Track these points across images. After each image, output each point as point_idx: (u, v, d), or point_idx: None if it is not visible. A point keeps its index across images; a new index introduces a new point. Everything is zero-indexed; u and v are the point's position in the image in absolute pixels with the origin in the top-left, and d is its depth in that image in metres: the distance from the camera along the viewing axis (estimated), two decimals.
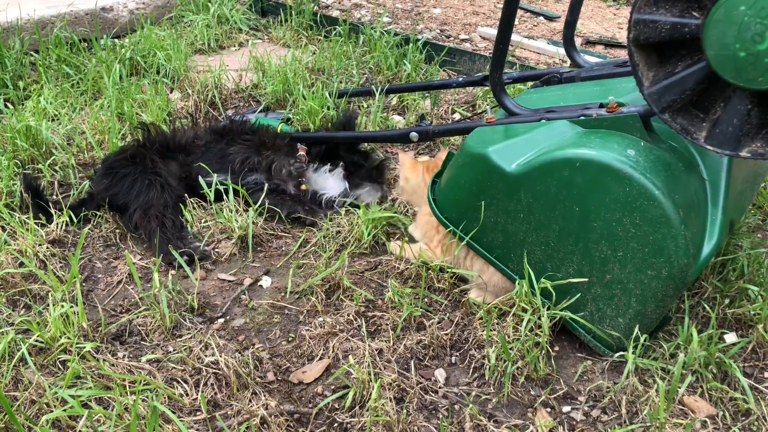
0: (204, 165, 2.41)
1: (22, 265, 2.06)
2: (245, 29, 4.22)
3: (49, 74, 3.27)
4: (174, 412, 1.55)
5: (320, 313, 1.96)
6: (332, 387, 1.71)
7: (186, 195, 2.41)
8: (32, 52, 3.50)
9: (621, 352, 1.73)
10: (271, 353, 1.82)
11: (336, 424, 1.61)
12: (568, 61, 2.45)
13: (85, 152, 2.75)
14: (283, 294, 2.06)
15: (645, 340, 1.69)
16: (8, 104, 3.02)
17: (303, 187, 2.48)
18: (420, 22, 4.58)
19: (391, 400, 1.62)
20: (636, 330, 1.68)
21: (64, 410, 1.51)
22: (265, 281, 2.12)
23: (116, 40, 3.79)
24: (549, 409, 1.67)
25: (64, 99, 3.07)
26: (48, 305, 1.87)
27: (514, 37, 4.24)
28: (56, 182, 2.58)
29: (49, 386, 1.60)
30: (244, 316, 1.97)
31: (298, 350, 1.83)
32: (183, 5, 4.29)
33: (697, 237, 1.63)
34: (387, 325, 1.90)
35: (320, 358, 1.80)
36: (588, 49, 4.23)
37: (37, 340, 1.75)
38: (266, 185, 2.40)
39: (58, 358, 1.74)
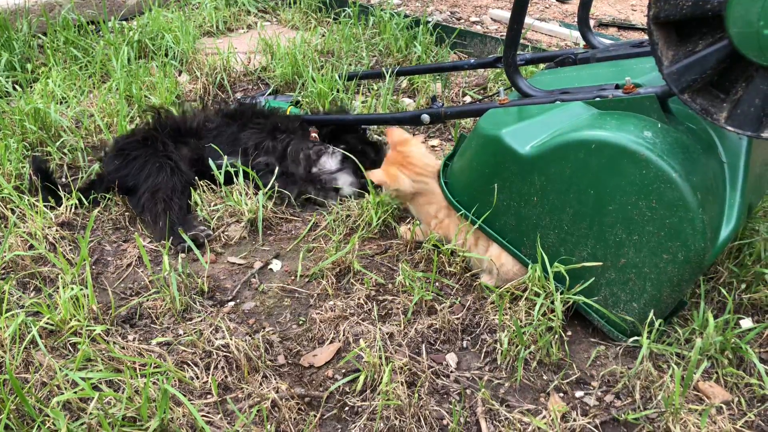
0: (215, 146, 2.39)
1: (32, 247, 2.05)
2: (254, 11, 4.19)
3: (57, 57, 3.26)
4: (185, 395, 1.55)
5: (331, 297, 1.95)
6: (343, 371, 1.70)
7: (196, 178, 2.40)
8: (40, 35, 3.48)
9: (635, 337, 1.71)
10: (282, 336, 1.82)
11: (347, 408, 1.60)
12: (580, 44, 2.40)
13: (94, 135, 2.74)
14: (293, 277, 2.04)
15: (660, 325, 1.66)
16: (17, 87, 3.01)
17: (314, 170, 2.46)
18: (430, 3, 4.53)
19: (402, 384, 1.61)
20: (650, 315, 1.66)
21: (75, 392, 1.51)
22: (276, 265, 2.11)
23: (124, 22, 3.76)
24: (562, 394, 1.65)
25: (73, 81, 3.06)
26: (58, 288, 1.86)
27: (526, 19, 4.18)
28: (65, 165, 2.57)
29: (60, 368, 1.59)
30: (255, 299, 1.96)
31: (309, 334, 1.82)
32: None
33: (715, 220, 1.60)
34: (398, 309, 1.89)
35: (331, 342, 1.79)
36: (601, 32, 4.16)
37: (47, 323, 1.75)
38: (277, 167, 2.37)
39: (69, 341, 1.74)
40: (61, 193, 2.28)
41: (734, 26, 1.30)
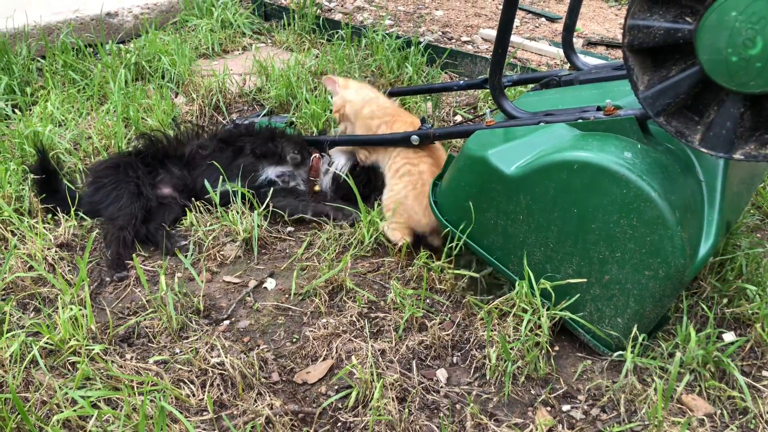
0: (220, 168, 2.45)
1: (31, 269, 2.10)
2: (249, 33, 4.26)
3: (56, 80, 3.32)
4: (181, 412, 1.59)
5: (324, 315, 1.99)
6: (336, 387, 1.75)
7: (193, 199, 2.45)
8: (39, 58, 3.55)
9: (620, 352, 1.75)
10: (276, 354, 1.86)
11: (339, 424, 1.64)
12: (568, 64, 2.47)
13: (92, 157, 2.79)
14: (287, 296, 2.09)
15: (644, 340, 1.71)
16: (16, 110, 3.07)
17: (316, 188, 2.53)
18: (422, 24, 4.61)
19: (393, 400, 1.65)
20: (634, 329, 1.71)
21: (74, 411, 1.55)
22: (270, 283, 2.16)
23: (121, 45, 3.83)
24: (549, 408, 1.69)
25: (71, 104, 3.12)
26: (57, 308, 1.91)
27: (516, 38, 4.26)
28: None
29: (60, 387, 1.63)
30: (249, 317, 2.00)
31: (302, 351, 1.87)
32: (187, 10, 4.33)
33: (694, 238, 1.66)
34: (389, 326, 1.93)
35: (324, 359, 1.83)
36: (589, 50, 4.25)
37: (47, 342, 1.79)
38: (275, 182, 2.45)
39: (68, 360, 1.78)
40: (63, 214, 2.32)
41: (704, 53, 1.37)
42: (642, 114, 1.66)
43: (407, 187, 2.18)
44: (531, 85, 2.73)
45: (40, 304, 2.00)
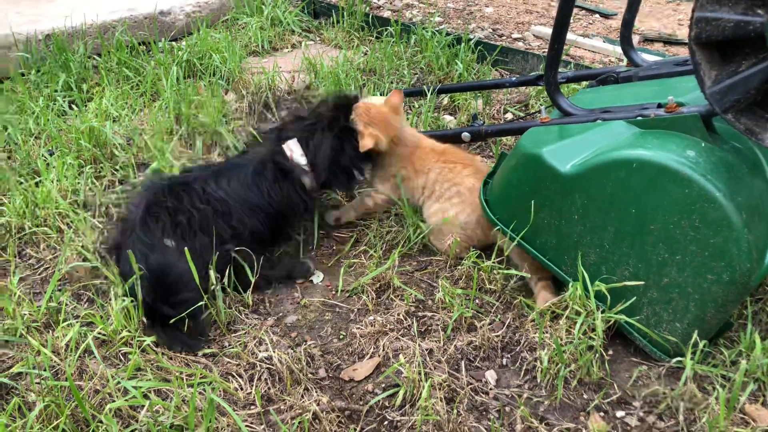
0: None
1: (85, 260, 2.14)
2: (298, 31, 4.28)
3: (111, 77, 3.39)
4: (229, 405, 1.59)
5: (370, 312, 1.98)
6: (383, 385, 1.73)
7: None
8: (95, 56, 3.63)
9: (678, 358, 1.68)
10: (323, 350, 1.85)
11: (386, 422, 1.62)
12: (625, 60, 2.40)
13: (145, 152, 2.84)
14: (334, 292, 2.08)
15: (704, 346, 1.64)
16: (73, 106, 3.15)
17: None
18: (472, 21, 4.56)
19: (441, 400, 1.62)
20: (694, 335, 1.64)
21: (126, 400, 1.57)
22: (317, 277, 2.15)
23: (173, 42, 3.90)
24: (602, 414, 1.64)
25: (125, 100, 3.18)
26: (110, 299, 1.94)
27: (569, 35, 4.16)
28: (117, 181, 2.67)
29: (112, 377, 1.66)
30: (297, 313, 2.00)
31: (349, 348, 1.85)
32: (237, 8, 4.38)
33: (761, 241, 1.58)
34: (437, 325, 1.90)
35: (370, 357, 1.82)
36: (646, 47, 4.13)
37: (100, 333, 1.82)
38: None
39: (120, 351, 1.81)
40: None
41: None
42: (707, 111, 1.59)
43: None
44: (585, 83, 2.66)
45: (93, 295, 2.04)
